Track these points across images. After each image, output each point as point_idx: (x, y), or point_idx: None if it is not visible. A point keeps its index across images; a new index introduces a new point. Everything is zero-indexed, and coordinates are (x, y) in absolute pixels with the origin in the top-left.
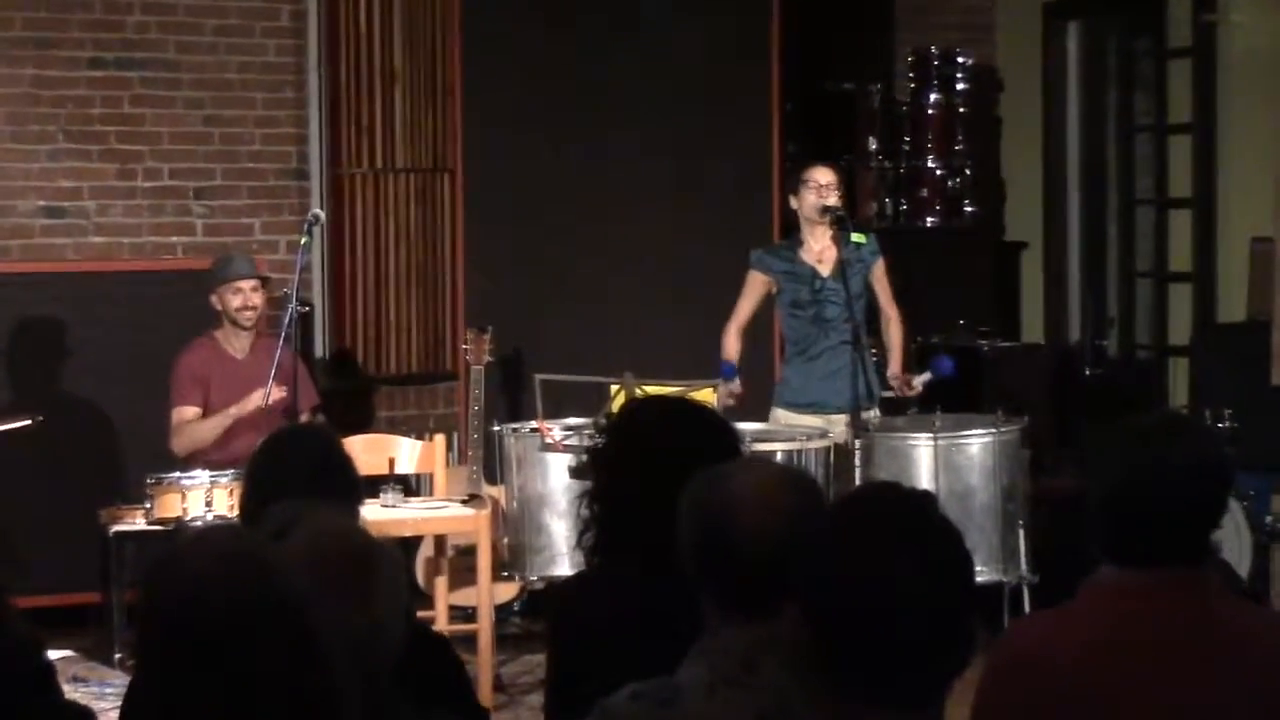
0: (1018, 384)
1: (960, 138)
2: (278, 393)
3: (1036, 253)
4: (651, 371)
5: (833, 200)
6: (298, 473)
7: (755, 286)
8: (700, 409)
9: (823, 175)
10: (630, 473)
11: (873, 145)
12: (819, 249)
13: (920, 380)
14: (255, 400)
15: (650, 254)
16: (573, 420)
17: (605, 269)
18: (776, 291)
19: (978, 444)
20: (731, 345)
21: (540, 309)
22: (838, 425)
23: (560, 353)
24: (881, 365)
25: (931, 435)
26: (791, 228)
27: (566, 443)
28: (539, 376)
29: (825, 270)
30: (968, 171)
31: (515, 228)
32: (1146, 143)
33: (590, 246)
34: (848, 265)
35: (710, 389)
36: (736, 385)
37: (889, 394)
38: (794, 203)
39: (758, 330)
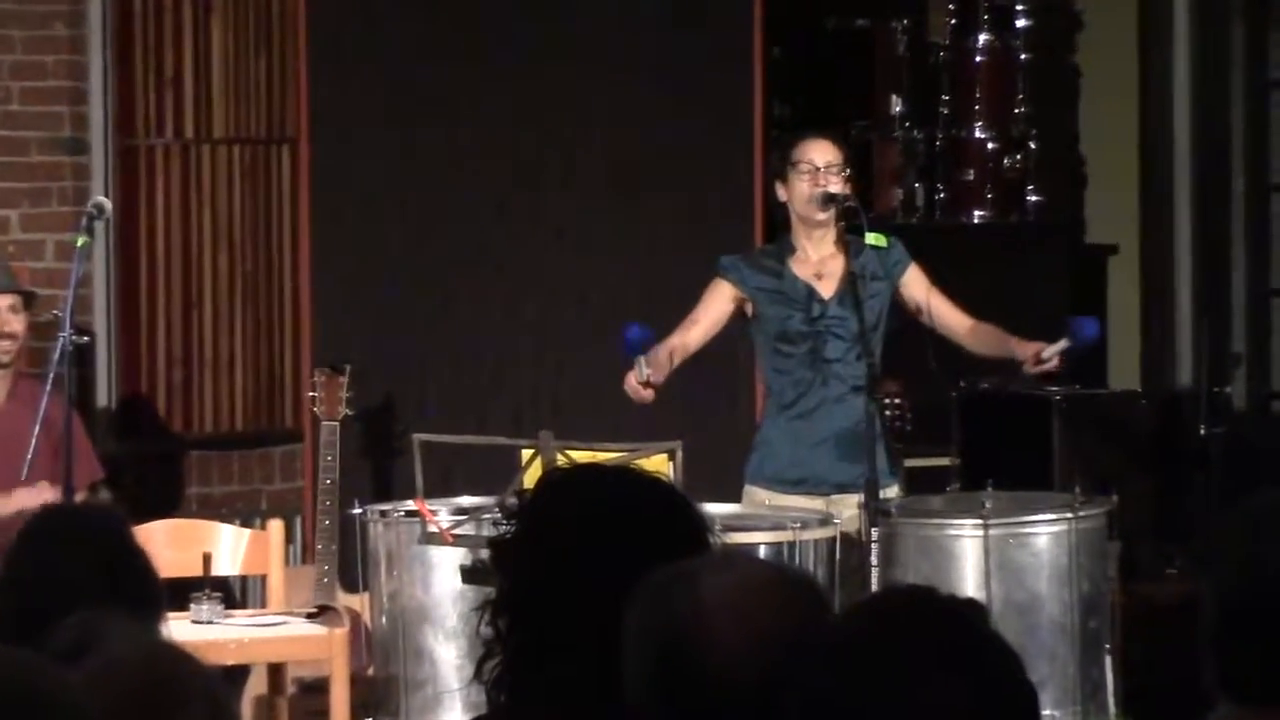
0: (1103, 448)
1: (1022, 97)
2: (46, 470)
3: (1130, 261)
4: (580, 430)
5: (837, 187)
6: (70, 577)
7: (718, 300)
8: (652, 483)
9: (821, 152)
10: (552, 574)
11: (897, 107)
12: (818, 258)
13: (1055, 350)
14: (21, 501)
15: (577, 265)
16: (467, 500)
17: (514, 285)
18: (752, 316)
19: (1046, 534)
20: (661, 350)
21: (422, 340)
22: (845, 508)
23: (450, 403)
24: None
25: (980, 521)
26: (780, 228)
27: (458, 532)
28: (419, 437)
29: (827, 289)
30: (1032, 145)
31: (385, 225)
32: None
33: (494, 254)
34: (861, 282)
35: (664, 455)
36: (644, 370)
37: (1043, 366)
38: (781, 192)
39: (728, 372)
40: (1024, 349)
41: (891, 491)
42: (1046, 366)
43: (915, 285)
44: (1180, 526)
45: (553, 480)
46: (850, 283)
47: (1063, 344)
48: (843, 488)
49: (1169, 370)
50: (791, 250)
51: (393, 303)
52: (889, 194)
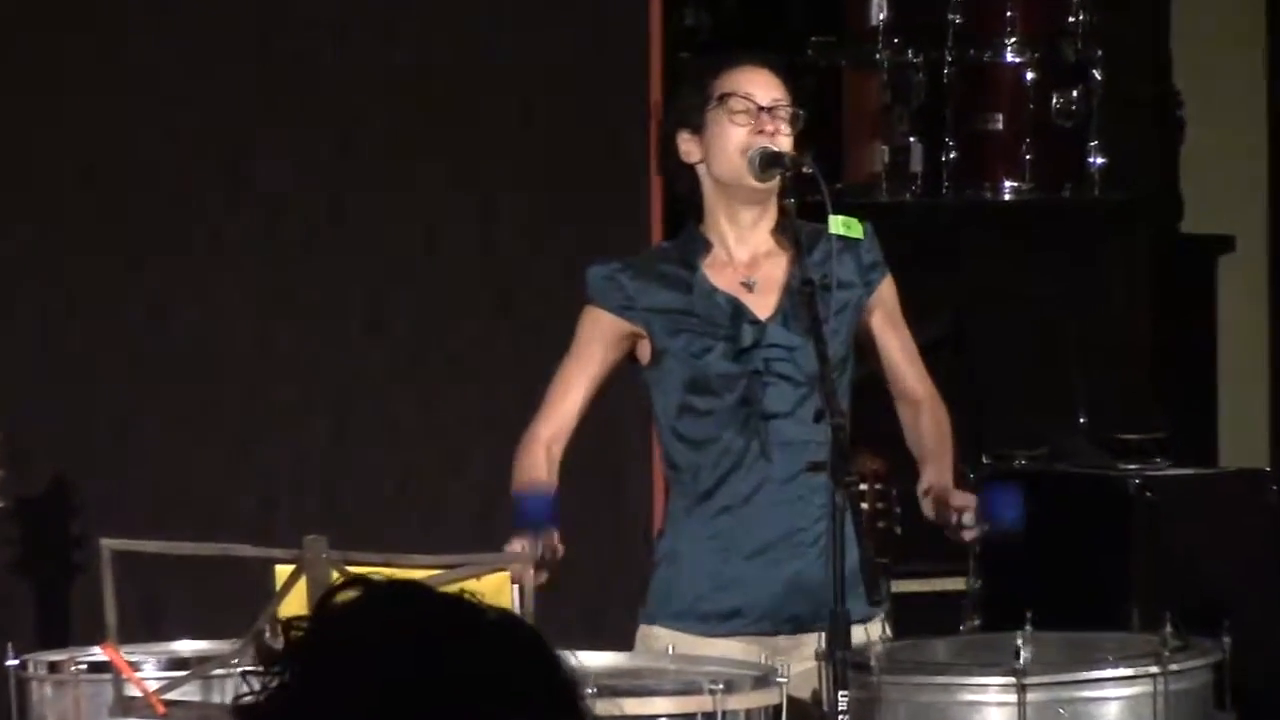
0: (1211, 561)
1: (1077, 3)
2: None
3: (1253, 262)
4: (370, 533)
5: (786, 141)
6: None
7: (595, 341)
8: (491, 619)
9: (763, 84)
10: None
11: (880, 14)
12: (748, 258)
13: (973, 530)
14: None
15: (359, 284)
16: (187, 645)
17: (256, 316)
18: (649, 359)
19: (1117, 701)
20: (535, 462)
21: (113, 400)
22: (798, 658)
23: (159, 492)
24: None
25: (1012, 680)
26: (685, 215)
27: (173, 697)
28: (110, 544)
29: (763, 305)
30: (1097, 75)
31: (45, 235)
32: None
33: (219, 273)
34: (821, 295)
35: (506, 573)
36: (554, 540)
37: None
38: (689, 148)
39: (609, 446)
40: (946, 496)
41: (871, 632)
42: (963, 535)
43: (881, 310)
44: None
45: (330, 614)
46: (807, 294)
47: (976, 529)
48: (796, 625)
49: None
50: (704, 248)
51: (63, 351)
52: (867, 154)
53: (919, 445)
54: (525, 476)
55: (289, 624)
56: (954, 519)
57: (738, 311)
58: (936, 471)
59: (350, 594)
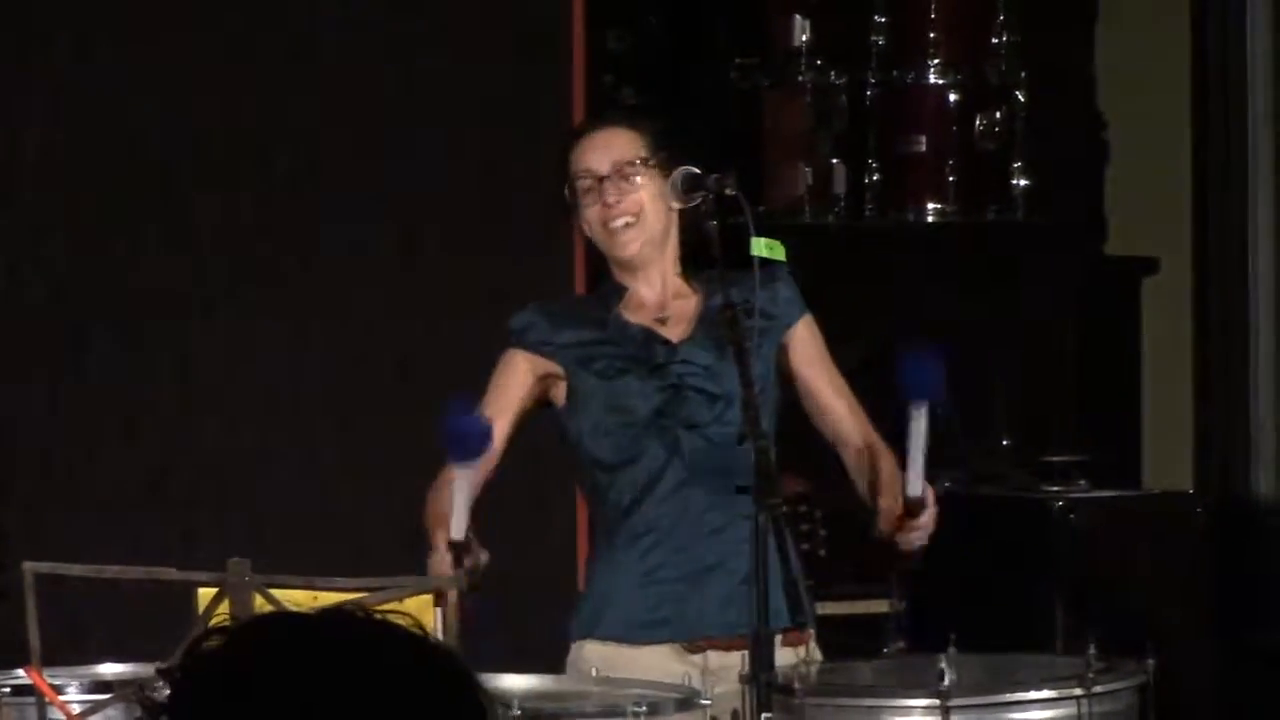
0: (1134, 584)
1: (1004, 19)
2: None
3: (1175, 285)
4: (292, 556)
5: (626, 207)
6: None
7: (513, 381)
8: (411, 642)
9: (599, 147)
10: None
11: (803, 35)
12: (658, 298)
13: (919, 532)
14: None
15: (284, 311)
16: (110, 669)
17: (189, 336)
18: (567, 395)
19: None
20: (445, 496)
21: (35, 409)
22: (724, 678)
23: (83, 513)
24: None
25: (935, 701)
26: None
27: (97, 719)
28: (32, 567)
29: (678, 332)
30: (1020, 97)
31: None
32: None
33: (158, 277)
34: (740, 318)
35: (429, 595)
36: (478, 555)
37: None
38: (576, 225)
39: (534, 468)
40: (887, 500)
41: (799, 654)
42: (906, 544)
43: (802, 349)
44: (1257, 710)
45: (251, 637)
46: (727, 317)
47: (927, 517)
48: (726, 636)
49: (1239, 462)
50: (619, 294)
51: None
52: (790, 176)
53: (874, 485)
54: (434, 508)
55: (209, 648)
56: (913, 525)
57: (650, 337)
58: (887, 489)
59: (268, 621)
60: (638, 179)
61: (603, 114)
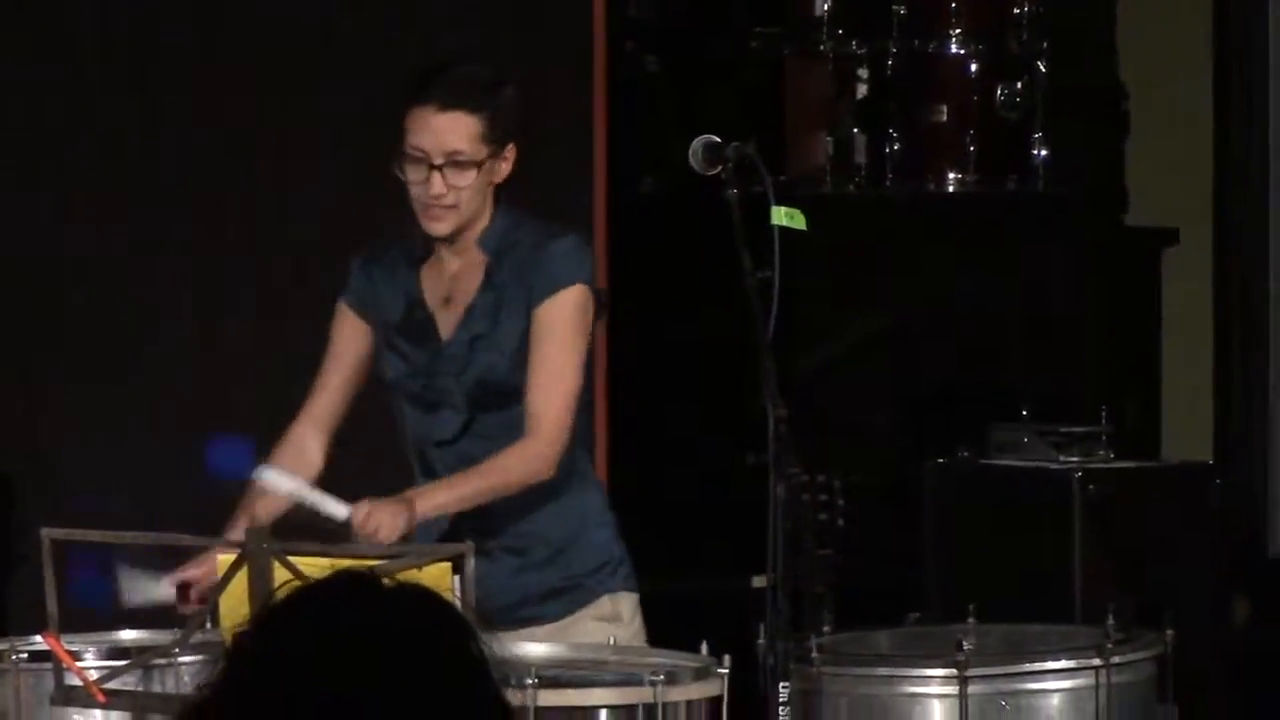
0: (1153, 555)
1: None
2: None
3: (1197, 257)
4: (311, 522)
5: (450, 211)
6: None
7: (344, 340)
8: (435, 609)
9: (438, 130)
10: None
11: (824, 4)
12: (450, 273)
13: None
14: None
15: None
16: (129, 635)
17: (199, 289)
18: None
19: (1059, 692)
20: (282, 452)
21: (44, 382)
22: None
23: (100, 481)
24: None
25: (953, 672)
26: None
27: (114, 686)
28: (50, 533)
29: (447, 323)
30: (1042, 67)
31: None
32: None
33: (160, 248)
34: (757, 291)
35: (448, 563)
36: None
37: None
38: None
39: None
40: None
41: (623, 611)
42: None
43: (538, 322)
44: (1271, 679)
45: (276, 608)
46: (754, 287)
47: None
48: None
49: (1256, 433)
50: (425, 252)
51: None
52: (811, 145)
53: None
54: (284, 453)
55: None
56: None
57: (426, 328)
58: (430, 491)
59: (293, 589)
60: (470, 171)
61: (451, 87)
